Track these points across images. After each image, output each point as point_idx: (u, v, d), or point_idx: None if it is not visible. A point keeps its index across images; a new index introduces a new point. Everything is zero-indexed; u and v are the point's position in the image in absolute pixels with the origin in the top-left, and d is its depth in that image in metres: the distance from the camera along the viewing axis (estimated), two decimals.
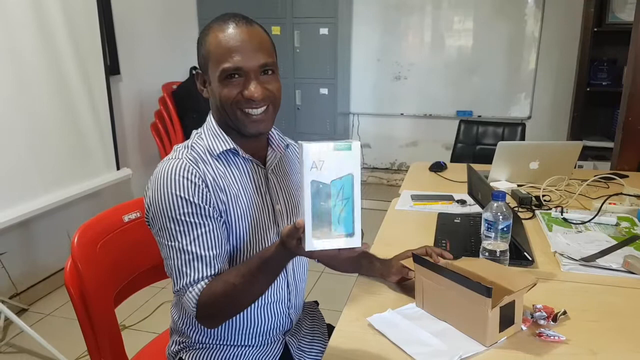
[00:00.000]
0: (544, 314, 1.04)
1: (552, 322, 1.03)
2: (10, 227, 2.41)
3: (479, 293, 0.93)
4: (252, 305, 1.08)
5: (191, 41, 4.37)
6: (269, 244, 1.07)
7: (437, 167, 2.33)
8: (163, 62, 3.72)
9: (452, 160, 3.06)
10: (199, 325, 1.11)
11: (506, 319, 0.97)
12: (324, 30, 3.90)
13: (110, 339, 1.24)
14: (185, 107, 3.54)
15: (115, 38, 3.24)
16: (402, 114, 4.42)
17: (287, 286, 1.15)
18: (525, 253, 1.28)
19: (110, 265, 1.25)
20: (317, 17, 3.89)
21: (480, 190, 1.36)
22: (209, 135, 1.06)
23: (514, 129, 3.03)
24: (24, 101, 2.38)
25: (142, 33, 3.51)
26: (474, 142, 3.21)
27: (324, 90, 4.01)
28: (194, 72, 3.63)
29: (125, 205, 1.35)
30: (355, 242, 0.79)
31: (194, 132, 1.09)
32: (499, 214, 1.15)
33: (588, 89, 3.74)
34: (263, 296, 1.09)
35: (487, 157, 2.32)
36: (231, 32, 0.97)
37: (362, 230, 0.80)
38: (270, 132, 1.13)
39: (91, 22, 2.77)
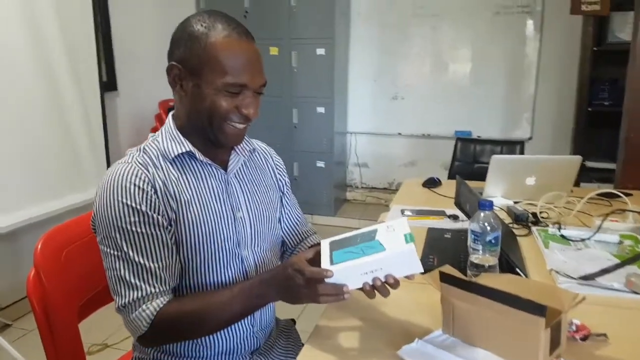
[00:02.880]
0: (574, 327, 0.97)
1: (579, 340, 0.95)
2: None
3: (531, 312, 0.81)
4: None
5: None
6: (226, 254, 1.00)
7: (431, 183, 2.25)
8: (160, 79, 3.69)
9: (449, 179, 2.98)
10: None
11: (554, 340, 0.86)
12: (320, 51, 3.88)
13: (73, 354, 1.15)
14: None
15: (114, 55, 3.25)
16: (399, 133, 4.36)
17: None
18: (518, 269, 1.18)
19: (74, 275, 1.17)
20: (315, 38, 3.88)
21: (468, 201, 1.27)
22: (166, 138, 0.99)
23: (513, 148, 2.96)
24: (17, 115, 2.37)
25: (140, 50, 3.51)
26: (472, 160, 3.14)
27: (321, 109, 3.96)
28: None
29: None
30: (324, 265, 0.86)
31: (150, 135, 1.02)
32: (486, 224, 1.07)
33: (589, 109, 3.66)
34: None
35: (485, 176, 2.24)
36: (240, 45, 0.93)
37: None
38: None
39: (87, 40, 2.79)
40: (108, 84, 3.17)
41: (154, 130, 3.51)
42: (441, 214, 1.76)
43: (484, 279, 0.98)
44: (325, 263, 0.86)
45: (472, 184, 2.01)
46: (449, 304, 0.96)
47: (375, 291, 0.87)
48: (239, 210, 1.03)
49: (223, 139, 0.97)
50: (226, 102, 0.93)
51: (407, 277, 0.87)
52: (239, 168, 1.07)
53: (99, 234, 0.94)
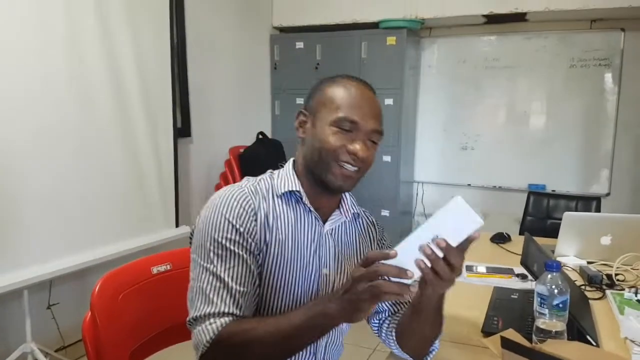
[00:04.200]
0: None
1: None
2: (65, 278, 2.41)
3: None
4: None
5: (262, 108, 4.51)
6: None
7: (500, 239, 2.18)
8: (232, 126, 3.89)
9: (520, 234, 2.87)
10: None
11: None
12: (389, 101, 3.94)
13: None
14: (249, 170, 3.60)
15: (189, 103, 3.45)
16: (469, 184, 4.27)
17: None
18: (589, 337, 1.11)
19: (128, 320, 1.17)
20: (383, 88, 3.92)
21: (536, 261, 1.23)
22: (282, 177, 1.03)
23: (588, 204, 2.82)
24: (96, 158, 2.49)
25: (215, 99, 3.72)
26: (545, 215, 3.01)
27: (387, 158, 3.98)
28: (260, 136, 3.80)
29: (157, 257, 1.30)
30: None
31: (268, 171, 1.07)
32: (553, 286, 1.03)
33: None
34: None
35: (558, 233, 2.14)
36: (360, 91, 0.99)
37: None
38: (344, 195, 1.09)
39: (164, 88, 2.94)
40: (182, 130, 3.34)
41: (224, 175, 3.68)
42: (509, 272, 1.70)
43: (550, 346, 0.94)
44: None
45: (544, 240, 1.94)
46: None
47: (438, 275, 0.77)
48: (325, 267, 1.02)
49: (331, 178, 0.97)
50: (336, 138, 0.96)
51: (469, 238, 0.77)
52: (338, 228, 1.06)
53: (194, 243, 0.97)
